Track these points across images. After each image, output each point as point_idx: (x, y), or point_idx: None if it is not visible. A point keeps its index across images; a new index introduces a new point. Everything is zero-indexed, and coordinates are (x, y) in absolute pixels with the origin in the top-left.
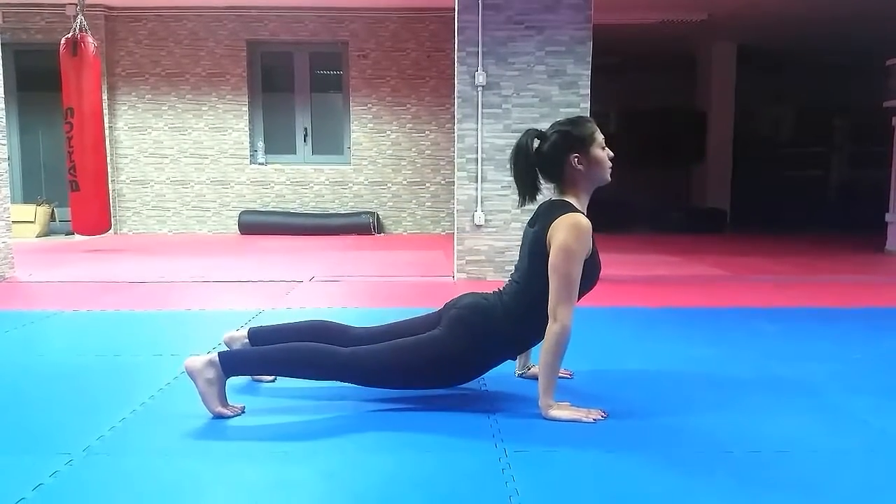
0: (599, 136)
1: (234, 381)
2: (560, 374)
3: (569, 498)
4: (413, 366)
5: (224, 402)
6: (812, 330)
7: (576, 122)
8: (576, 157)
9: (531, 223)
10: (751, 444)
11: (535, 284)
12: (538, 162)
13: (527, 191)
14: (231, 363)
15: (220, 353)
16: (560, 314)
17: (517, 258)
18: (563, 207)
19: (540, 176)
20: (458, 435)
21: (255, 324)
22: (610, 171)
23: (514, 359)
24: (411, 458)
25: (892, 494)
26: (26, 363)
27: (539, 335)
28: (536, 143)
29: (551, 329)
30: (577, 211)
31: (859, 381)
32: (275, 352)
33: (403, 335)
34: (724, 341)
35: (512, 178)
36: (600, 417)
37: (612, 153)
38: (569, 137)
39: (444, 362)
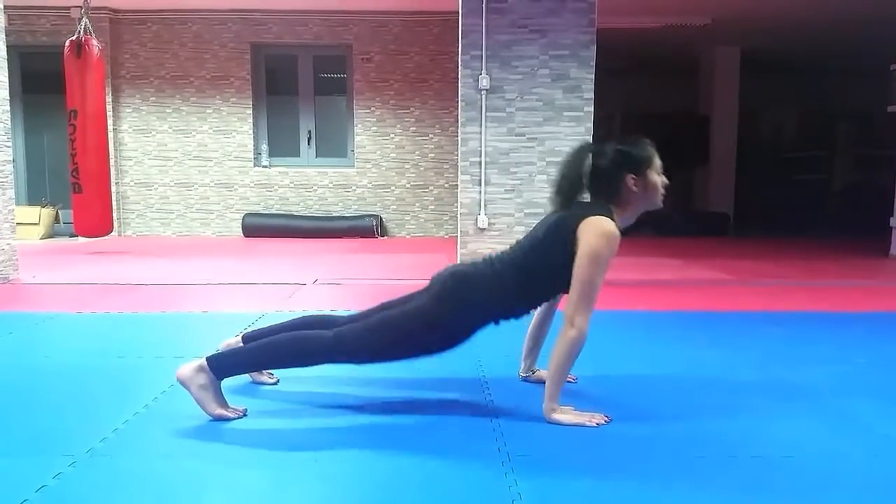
0: (657, 162)
1: (236, 384)
2: None
3: (572, 502)
4: (398, 337)
5: (223, 405)
6: (816, 334)
7: (637, 143)
8: (633, 178)
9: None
10: (755, 448)
11: (539, 259)
12: (590, 177)
13: (564, 201)
14: (220, 365)
15: (207, 358)
16: (578, 320)
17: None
18: (600, 207)
19: (589, 190)
20: (460, 439)
21: (259, 326)
22: (662, 197)
23: (498, 324)
24: (413, 462)
25: None
26: (30, 365)
27: (525, 306)
28: (590, 157)
29: (567, 334)
30: (611, 216)
31: (863, 386)
32: (262, 346)
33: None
34: (728, 345)
35: (555, 183)
36: (603, 422)
37: (666, 180)
38: (629, 158)
39: (428, 330)
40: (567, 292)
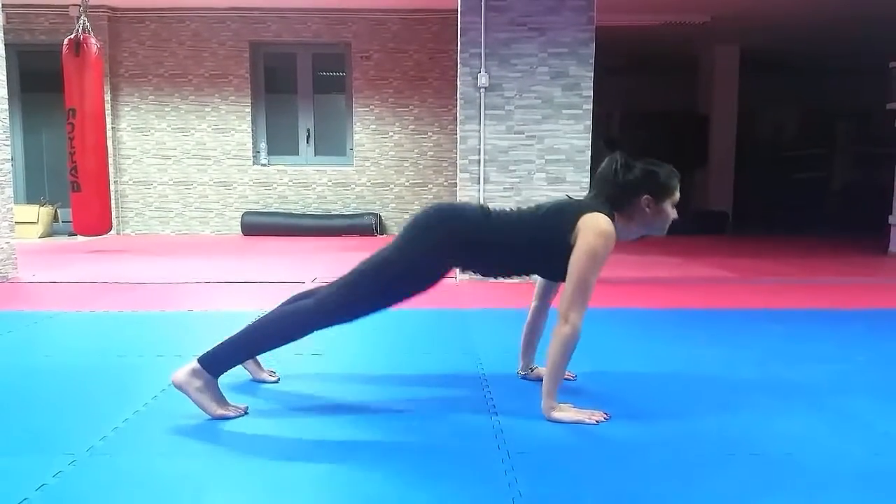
0: (677, 195)
1: (237, 383)
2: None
3: (572, 500)
4: (374, 283)
5: (223, 404)
6: (815, 332)
7: (665, 170)
8: (648, 198)
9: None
10: (754, 446)
11: (535, 232)
12: (611, 184)
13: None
14: (213, 361)
15: (199, 359)
16: (572, 317)
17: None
18: (603, 207)
19: (602, 194)
20: (460, 437)
21: None
22: (668, 228)
23: (464, 272)
24: (413, 460)
25: None
26: (29, 364)
27: (497, 269)
28: (617, 165)
29: (561, 330)
30: (611, 218)
31: (863, 383)
32: (248, 329)
33: None
34: (727, 343)
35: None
36: (603, 419)
37: (676, 215)
38: (653, 179)
39: (401, 270)
40: (545, 276)
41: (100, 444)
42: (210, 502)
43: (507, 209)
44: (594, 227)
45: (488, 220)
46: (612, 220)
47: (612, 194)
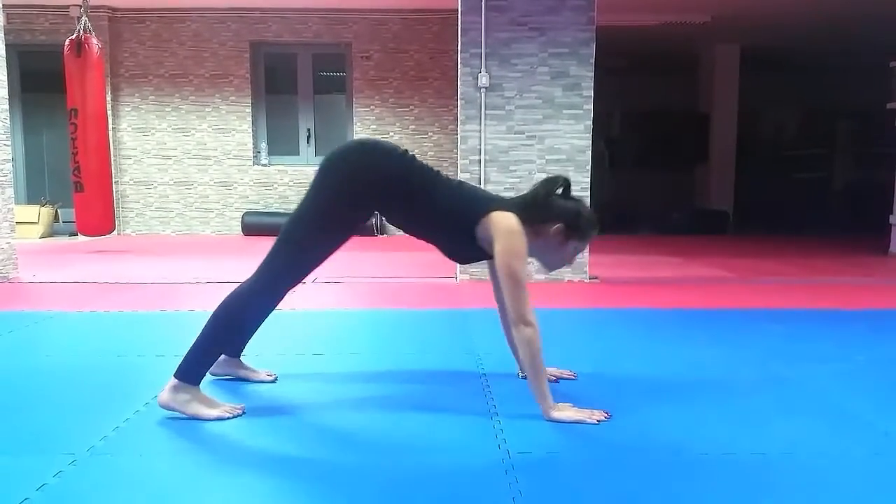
0: (584, 245)
1: (234, 384)
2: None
3: (572, 500)
4: (303, 238)
5: (215, 406)
6: (815, 332)
7: (591, 217)
8: (561, 227)
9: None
10: (754, 445)
11: (445, 203)
12: (541, 196)
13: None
14: (186, 372)
15: (175, 375)
16: (528, 317)
17: None
18: (513, 209)
19: (525, 202)
20: (460, 437)
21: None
22: (557, 269)
23: (385, 220)
24: (413, 460)
25: None
26: (29, 364)
27: (403, 227)
28: (561, 189)
29: (524, 335)
30: (512, 212)
31: (863, 383)
32: (204, 331)
33: None
34: (728, 343)
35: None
36: (603, 418)
37: (573, 262)
38: (577, 216)
39: (322, 216)
40: (443, 251)
41: (100, 444)
42: (210, 502)
43: (432, 168)
44: (506, 226)
45: (411, 169)
46: (511, 207)
47: (533, 206)
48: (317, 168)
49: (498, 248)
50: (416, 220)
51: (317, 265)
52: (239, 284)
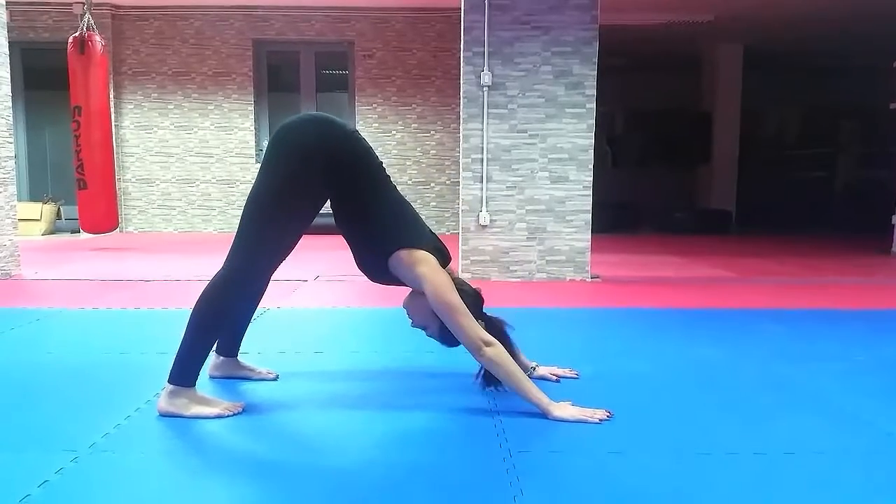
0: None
1: (235, 383)
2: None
3: (573, 499)
4: (268, 213)
5: (214, 404)
6: (817, 331)
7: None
8: (407, 252)
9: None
10: (756, 445)
11: (376, 211)
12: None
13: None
14: (179, 374)
15: (168, 380)
16: (483, 337)
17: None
18: (422, 246)
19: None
20: (462, 435)
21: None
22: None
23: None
24: (414, 458)
25: None
26: (32, 360)
27: (343, 220)
28: None
29: (487, 356)
30: (413, 248)
31: (864, 383)
32: (188, 330)
33: None
34: (729, 342)
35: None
36: (605, 417)
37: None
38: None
39: (279, 199)
40: (356, 260)
41: (102, 441)
42: (212, 499)
43: (384, 170)
44: (416, 262)
45: (372, 152)
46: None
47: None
48: (269, 142)
49: (428, 290)
50: (354, 211)
51: (290, 240)
52: (213, 275)
